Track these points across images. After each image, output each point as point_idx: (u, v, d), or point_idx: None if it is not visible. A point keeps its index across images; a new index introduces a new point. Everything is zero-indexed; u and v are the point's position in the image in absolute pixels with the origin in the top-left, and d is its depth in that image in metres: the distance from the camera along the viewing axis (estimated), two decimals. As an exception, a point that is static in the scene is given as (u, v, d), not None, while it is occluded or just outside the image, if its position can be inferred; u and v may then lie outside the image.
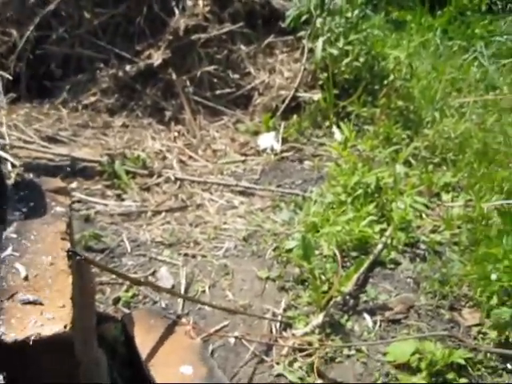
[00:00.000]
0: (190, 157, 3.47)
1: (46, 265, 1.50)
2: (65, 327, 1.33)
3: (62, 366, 1.37)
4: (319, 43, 3.77)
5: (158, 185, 3.16)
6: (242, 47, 4.02)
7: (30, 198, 1.76)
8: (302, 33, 4.11)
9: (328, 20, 3.86)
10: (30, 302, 1.39)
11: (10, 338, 1.30)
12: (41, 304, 1.38)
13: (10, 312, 1.36)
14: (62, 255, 1.53)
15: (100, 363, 1.73)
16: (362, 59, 3.92)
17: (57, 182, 1.85)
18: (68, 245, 1.58)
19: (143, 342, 1.70)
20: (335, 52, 3.78)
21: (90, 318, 1.82)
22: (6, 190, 1.87)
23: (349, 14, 3.91)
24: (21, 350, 1.31)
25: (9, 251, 1.54)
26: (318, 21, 3.88)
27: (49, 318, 1.35)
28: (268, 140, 3.58)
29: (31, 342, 1.30)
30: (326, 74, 3.81)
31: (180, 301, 2.33)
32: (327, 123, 3.78)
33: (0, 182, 1.80)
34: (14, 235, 1.60)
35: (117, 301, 2.33)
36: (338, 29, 3.84)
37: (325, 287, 2.33)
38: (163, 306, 2.28)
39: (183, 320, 1.78)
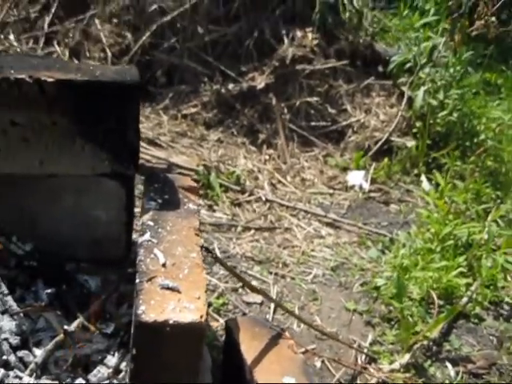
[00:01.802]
0: (279, 181, 3.55)
1: (182, 256, 1.57)
2: (201, 317, 1.39)
3: (191, 353, 1.43)
4: (420, 92, 3.83)
5: (248, 202, 3.24)
6: (343, 84, 4.10)
7: (164, 192, 1.85)
8: (401, 79, 4.17)
9: (432, 71, 3.92)
10: (168, 288, 1.46)
11: (149, 317, 1.36)
12: (178, 292, 1.45)
13: (149, 293, 1.43)
14: (197, 249, 1.61)
15: (205, 359, 1.78)
16: (455, 114, 3.97)
17: (189, 181, 1.93)
18: (201, 241, 1.65)
19: (248, 347, 1.74)
20: (435, 103, 3.83)
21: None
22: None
23: (451, 70, 3.98)
24: (156, 331, 1.38)
25: (147, 236, 1.62)
26: (423, 70, 3.94)
27: (186, 306, 1.41)
28: (357, 178, 3.63)
29: (169, 326, 1.37)
30: (421, 123, 3.86)
31: (269, 316, 2.38)
32: (416, 171, 3.82)
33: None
34: (151, 223, 1.69)
35: (207, 306, 2.38)
36: (440, 81, 3.90)
37: (415, 329, 2.34)
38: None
39: (286, 334, 1.82)
